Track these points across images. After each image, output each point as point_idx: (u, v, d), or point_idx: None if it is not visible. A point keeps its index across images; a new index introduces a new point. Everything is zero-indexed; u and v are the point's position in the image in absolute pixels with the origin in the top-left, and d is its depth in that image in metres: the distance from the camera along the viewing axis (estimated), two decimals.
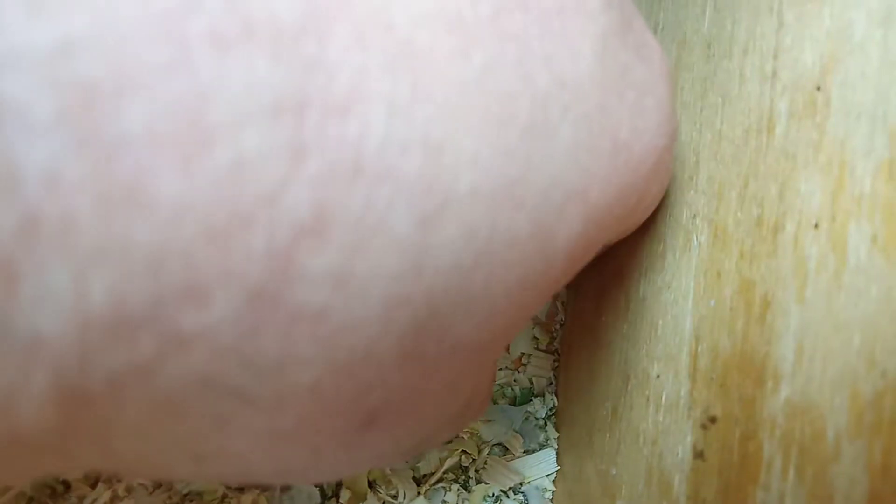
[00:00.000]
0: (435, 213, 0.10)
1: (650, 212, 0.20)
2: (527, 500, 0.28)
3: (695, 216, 0.20)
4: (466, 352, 0.13)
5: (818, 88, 0.15)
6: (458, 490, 0.28)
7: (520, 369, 0.29)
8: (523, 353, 0.29)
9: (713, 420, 0.17)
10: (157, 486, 0.27)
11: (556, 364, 0.29)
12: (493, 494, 0.28)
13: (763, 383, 0.16)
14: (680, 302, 0.20)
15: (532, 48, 0.12)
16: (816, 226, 0.14)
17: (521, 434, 0.28)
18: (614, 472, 0.23)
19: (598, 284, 0.27)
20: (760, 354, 0.16)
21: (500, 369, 0.29)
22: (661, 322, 0.21)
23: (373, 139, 0.10)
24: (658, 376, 0.21)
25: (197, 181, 0.08)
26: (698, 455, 0.18)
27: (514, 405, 0.29)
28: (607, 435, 0.24)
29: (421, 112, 0.10)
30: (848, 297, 0.13)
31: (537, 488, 0.28)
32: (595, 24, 0.13)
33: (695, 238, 0.19)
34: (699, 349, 0.19)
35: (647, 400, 0.21)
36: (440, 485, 0.28)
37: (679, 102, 0.22)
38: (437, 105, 0.10)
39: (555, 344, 0.29)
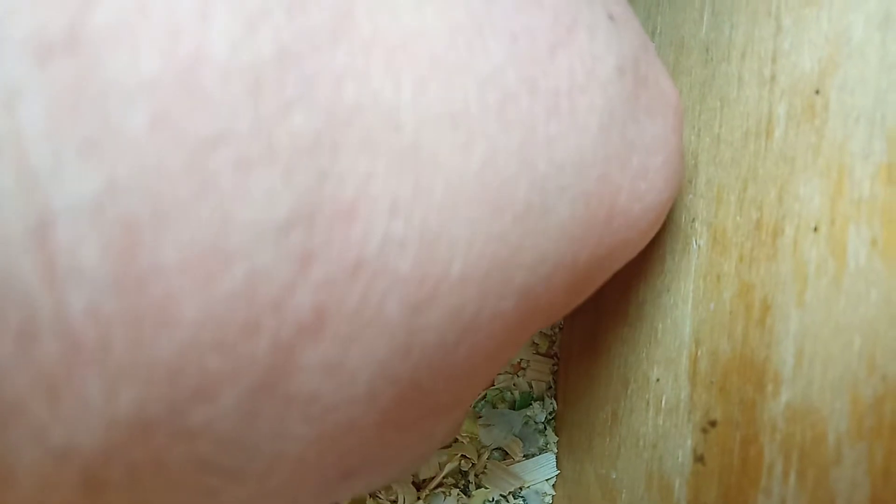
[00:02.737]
0: (426, 301, 0.11)
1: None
2: (527, 503, 0.28)
3: (694, 220, 0.20)
4: (443, 409, 0.14)
5: (817, 92, 0.15)
6: (458, 495, 0.28)
7: (519, 373, 0.29)
8: (522, 358, 0.29)
9: (713, 424, 0.17)
10: None
11: (556, 368, 0.29)
12: (493, 499, 0.28)
13: (763, 387, 0.16)
14: (679, 305, 0.20)
15: (536, 133, 0.12)
16: (816, 229, 0.14)
17: (520, 438, 0.28)
18: (614, 476, 0.23)
19: (598, 289, 0.26)
20: (760, 358, 0.16)
21: (500, 374, 0.29)
22: (660, 326, 0.21)
23: (374, 240, 0.10)
24: (658, 380, 0.21)
25: (214, 299, 0.09)
26: (698, 459, 0.18)
27: (514, 409, 0.29)
28: (607, 439, 0.24)
29: (420, 209, 0.10)
30: (848, 301, 0.13)
31: (537, 492, 0.28)
32: (605, 96, 0.13)
33: (694, 242, 0.19)
34: (699, 353, 0.19)
35: (647, 404, 0.21)
36: (440, 489, 0.28)
37: None
38: (436, 201, 0.10)
39: (554, 348, 0.29)
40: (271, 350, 0.09)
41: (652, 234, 0.17)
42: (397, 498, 0.28)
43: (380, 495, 0.28)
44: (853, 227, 0.13)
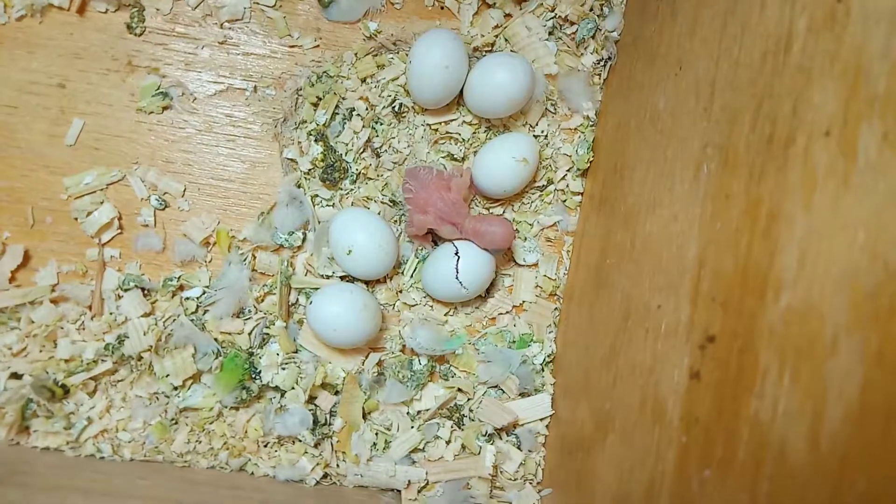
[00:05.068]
0: None
1: None
2: (519, 441, 0.28)
3: (706, 146, 0.20)
4: None
5: (839, 0, 0.15)
6: (452, 427, 0.28)
7: (520, 314, 0.29)
8: (525, 300, 0.29)
9: (711, 339, 0.17)
10: (154, 398, 0.28)
11: (557, 312, 0.29)
12: (486, 433, 0.28)
13: (763, 295, 0.16)
14: (686, 231, 0.20)
15: None
16: (828, 133, 0.14)
17: (517, 377, 0.28)
18: (608, 407, 0.23)
19: (605, 229, 0.27)
20: (763, 267, 0.16)
21: (502, 313, 0.29)
22: (665, 254, 0.21)
23: None
24: (659, 307, 0.21)
25: None
26: (694, 375, 0.18)
27: (513, 349, 0.29)
28: (603, 373, 0.24)
29: None
30: (855, 196, 0.13)
31: (530, 431, 0.28)
32: None
33: (705, 167, 0.19)
34: (702, 273, 0.19)
35: (647, 332, 0.21)
36: (434, 420, 0.28)
37: (699, 39, 0.22)
38: None
39: (558, 291, 0.29)
40: None
41: None
42: (391, 424, 0.28)
43: (374, 420, 0.28)
44: (865, 125, 0.13)
